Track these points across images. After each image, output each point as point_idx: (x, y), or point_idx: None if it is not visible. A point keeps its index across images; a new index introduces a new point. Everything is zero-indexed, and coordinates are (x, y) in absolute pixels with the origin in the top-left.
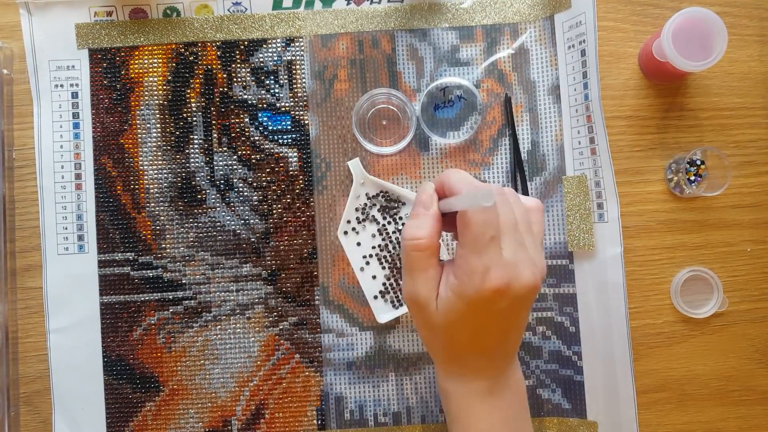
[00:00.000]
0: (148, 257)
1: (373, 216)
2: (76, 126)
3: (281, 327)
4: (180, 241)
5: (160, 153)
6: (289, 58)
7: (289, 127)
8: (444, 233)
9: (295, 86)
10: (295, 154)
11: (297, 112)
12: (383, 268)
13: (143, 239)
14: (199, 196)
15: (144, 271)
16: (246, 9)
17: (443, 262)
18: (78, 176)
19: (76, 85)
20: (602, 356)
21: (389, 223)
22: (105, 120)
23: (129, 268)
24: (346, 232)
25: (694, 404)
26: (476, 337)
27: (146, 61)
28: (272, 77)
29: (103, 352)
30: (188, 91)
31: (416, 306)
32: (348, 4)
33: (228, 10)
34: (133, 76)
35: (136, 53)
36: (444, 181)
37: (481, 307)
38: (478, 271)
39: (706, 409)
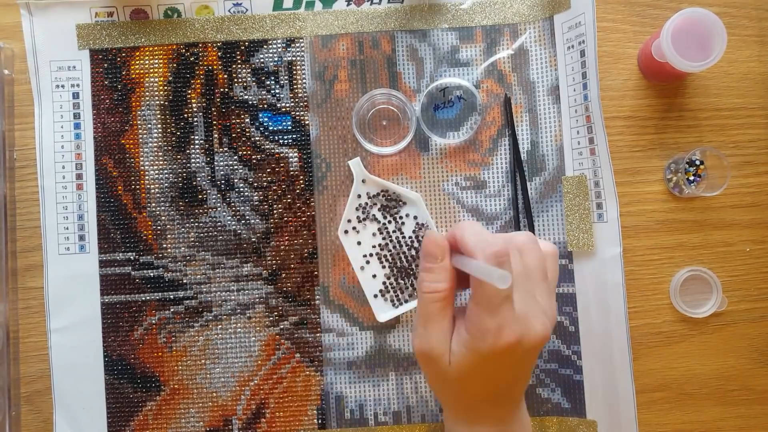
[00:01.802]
0: (149, 257)
1: (373, 215)
2: (77, 126)
3: (282, 327)
4: (181, 241)
5: (161, 153)
6: (289, 58)
7: (289, 128)
8: None
9: (295, 87)
10: (296, 154)
11: (297, 113)
12: (383, 267)
13: (144, 239)
14: (199, 197)
15: (145, 271)
16: (246, 10)
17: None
18: (79, 176)
19: (77, 85)
20: (602, 356)
21: (390, 222)
22: (106, 120)
23: (130, 268)
24: (346, 231)
25: (693, 404)
26: (487, 388)
27: (147, 62)
28: (273, 78)
29: (104, 351)
30: (189, 91)
31: (429, 359)
32: (348, 4)
33: (228, 10)
34: (134, 76)
35: (137, 54)
36: (458, 236)
37: (493, 361)
38: (491, 329)
39: (705, 408)
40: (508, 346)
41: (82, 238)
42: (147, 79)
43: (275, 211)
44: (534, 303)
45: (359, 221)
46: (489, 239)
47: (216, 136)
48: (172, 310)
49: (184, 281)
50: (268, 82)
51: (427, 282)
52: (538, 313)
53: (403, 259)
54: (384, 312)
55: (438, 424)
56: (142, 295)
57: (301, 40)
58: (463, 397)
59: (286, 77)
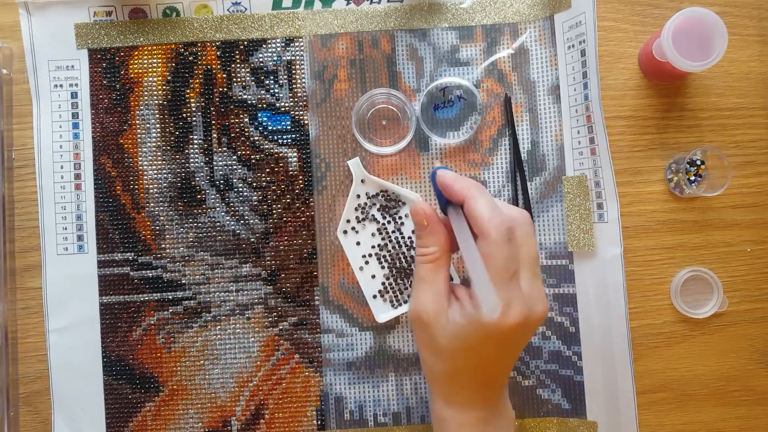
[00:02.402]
0: (147, 257)
1: (372, 215)
2: (75, 126)
3: (281, 327)
4: (179, 241)
5: (159, 153)
6: (288, 58)
7: (288, 127)
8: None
9: (294, 86)
10: (295, 154)
11: (297, 112)
12: (382, 267)
13: (143, 239)
14: (198, 197)
15: (143, 272)
16: (245, 9)
17: (454, 284)
18: (77, 176)
19: (76, 85)
20: (602, 356)
21: (389, 222)
22: (104, 120)
23: (128, 268)
24: (345, 232)
25: (694, 404)
26: (481, 367)
27: (146, 61)
28: (272, 77)
29: (103, 352)
30: (188, 91)
31: (421, 323)
32: (348, 4)
33: (227, 10)
34: (132, 76)
35: (136, 53)
36: (471, 205)
37: (496, 339)
38: (499, 304)
39: (706, 409)
40: (512, 325)
41: (80, 238)
42: (146, 79)
43: (274, 211)
44: (538, 284)
45: (358, 221)
46: (503, 215)
47: (215, 135)
48: (170, 310)
49: (183, 281)
50: (268, 82)
51: (419, 246)
52: (541, 294)
53: (402, 259)
54: (383, 312)
55: None
56: (140, 295)
57: (300, 40)
58: (454, 373)
59: (285, 77)
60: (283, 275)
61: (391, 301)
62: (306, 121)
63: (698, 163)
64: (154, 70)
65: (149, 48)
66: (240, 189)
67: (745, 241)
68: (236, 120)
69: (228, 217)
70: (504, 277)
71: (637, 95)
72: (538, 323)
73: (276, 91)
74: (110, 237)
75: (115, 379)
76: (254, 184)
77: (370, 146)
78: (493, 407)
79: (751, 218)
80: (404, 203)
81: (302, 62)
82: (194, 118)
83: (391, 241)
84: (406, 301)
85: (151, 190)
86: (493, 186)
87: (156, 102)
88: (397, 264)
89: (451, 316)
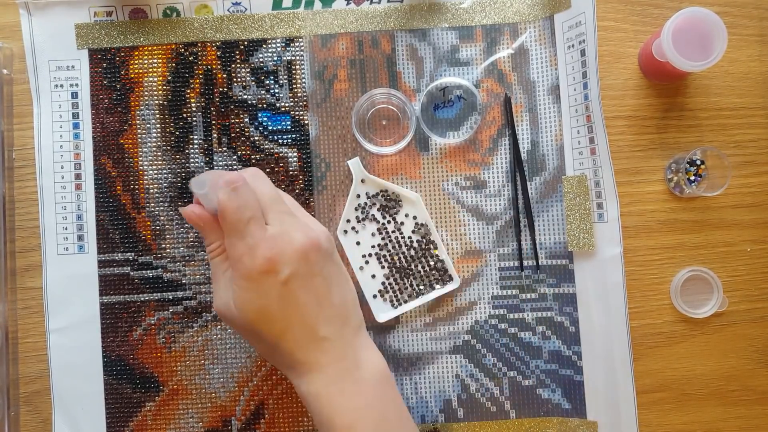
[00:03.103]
0: (147, 257)
1: (372, 215)
2: (75, 126)
3: None
4: (180, 241)
5: (160, 153)
6: (288, 58)
7: (288, 127)
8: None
9: (294, 86)
10: (295, 154)
11: (297, 112)
12: (382, 267)
13: (143, 239)
14: None
15: (144, 271)
16: (246, 9)
17: None
18: (78, 176)
19: (76, 85)
20: (602, 356)
21: (389, 222)
22: (105, 120)
23: (129, 268)
24: (345, 231)
25: (693, 404)
26: (285, 321)
27: (146, 61)
28: (272, 77)
29: (103, 352)
30: (188, 91)
31: (223, 314)
32: (348, 4)
33: (228, 10)
34: (132, 76)
35: (136, 53)
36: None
37: (264, 286)
38: (244, 252)
39: (706, 408)
40: (265, 262)
41: (80, 238)
42: (146, 79)
43: None
44: (292, 219)
45: (358, 221)
46: (222, 175)
47: (215, 135)
48: (171, 310)
49: (183, 281)
50: (268, 82)
51: (206, 244)
52: (297, 226)
53: (402, 259)
54: (383, 312)
55: (439, 425)
56: (141, 295)
57: (300, 40)
58: (273, 342)
59: (285, 77)
60: None
61: (391, 301)
62: (306, 121)
63: (698, 163)
64: (155, 70)
65: (149, 48)
66: None
67: (745, 241)
68: (236, 120)
69: None
70: (240, 226)
71: (637, 95)
72: (304, 253)
73: (276, 91)
74: (110, 237)
75: (116, 378)
76: None
77: (370, 146)
78: (341, 362)
79: (751, 218)
80: (404, 203)
81: (302, 62)
82: (194, 118)
83: (391, 241)
84: (406, 301)
85: (152, 190)
86: (492, 186)
87: (156, 102)
88: (397, 264)
89: (232, 295)
